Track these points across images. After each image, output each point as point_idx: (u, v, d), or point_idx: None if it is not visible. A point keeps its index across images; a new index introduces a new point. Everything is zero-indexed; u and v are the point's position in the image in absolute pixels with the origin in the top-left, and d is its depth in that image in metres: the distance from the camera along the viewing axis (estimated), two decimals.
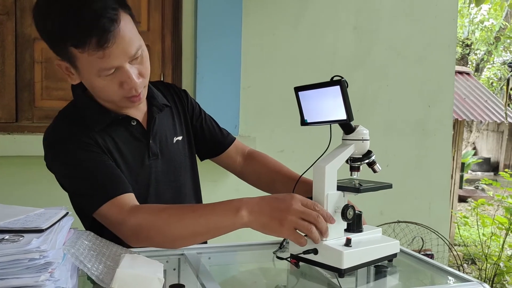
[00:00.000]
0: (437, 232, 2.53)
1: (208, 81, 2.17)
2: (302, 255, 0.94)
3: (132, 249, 0.98)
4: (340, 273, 0.89)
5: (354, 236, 0.97)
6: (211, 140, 1.34)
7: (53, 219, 0.81)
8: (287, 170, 1.30)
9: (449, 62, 2.76)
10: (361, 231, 0.99)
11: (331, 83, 0.94)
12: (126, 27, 0.98)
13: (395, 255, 1.00)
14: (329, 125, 1.00)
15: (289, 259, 0.97)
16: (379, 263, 0.99)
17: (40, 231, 0.75)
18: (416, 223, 2.53)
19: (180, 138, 1.25)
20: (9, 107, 1.98)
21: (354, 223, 0.99)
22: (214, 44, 2.19)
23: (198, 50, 2.17)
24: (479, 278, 3.74)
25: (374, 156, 1.01)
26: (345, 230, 0.99)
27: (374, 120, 2.56)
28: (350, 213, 0.94)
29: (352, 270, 0.92)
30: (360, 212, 1.00)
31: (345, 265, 0.89)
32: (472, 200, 5.45)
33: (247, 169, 1.35)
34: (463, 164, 7.56)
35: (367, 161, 1.00)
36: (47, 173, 1.94)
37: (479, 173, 11.01)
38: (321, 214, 0.91)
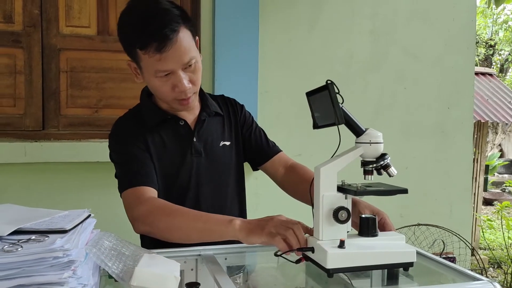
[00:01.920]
0: (459, 234, 2.51)
1: (226, 87, 2.22)
2: (303, 251, 0.98)
3: (151, 250, 1.03)
4: (328, 272, 0.91)
5: (366, 241, 0.99)
6: (257, 150, 1.47)
7: (76, 221, 0.86)
8: None
9: (468, 64, 2.73)
10: (375, 235, 1.00)
11: (324, 87, 0.97)
12: (184, 39, 1.17)
13: (410, 264, 0.96)
14: (337, 128, 1.02)
15: (281, 255, 0.99)
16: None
17: (64, 231, 0.80)
18: (437, 226, 2.52)
19: (227, 143, 1.41)
20: (36, 116, 2.07)
21: (364, 227, 1.00)
22: (232, 50, 2.24)
23: (216, 56, 2.22)
24: (505, 282, 3.66)
25: (388, 159, 1.00)
26: (359, 234, 1.01)
27: (392, 123, 2.56)
28: (342, 215, 0.96)
29: (343, 271, 0.93)
30: (374, 216, 1.01)
31: (329, 265, 0.91)
32: (498, 203, 5.34)
33: (287, 180, 1.45)
34: (487, 166, 7.41)
35: (379, 164, 1.01)
36: (73, 178, 2.03)
37: (505, 175, 10.75)
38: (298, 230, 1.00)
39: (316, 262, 0.97)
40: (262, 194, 2.23)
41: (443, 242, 2.43)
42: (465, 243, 2.54)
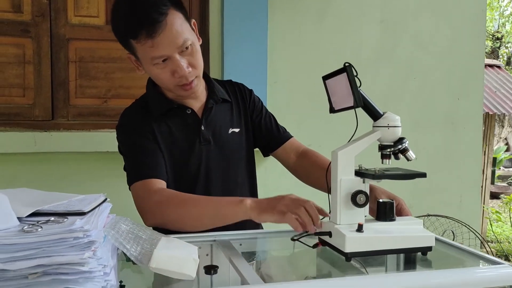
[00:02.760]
0: (469, 226, 2.49)
1: (235, 78, 2.18)
2: (319, 235, 0.98)
3: (168, 234, 1.02)
4: (346, 256, 0.91)
5: (383, 225, 0.98)
6: (267, 136, 1.45)
7: (94, 204, 0.86)
8: None
9: (478, 53, 2.70)
10: (392, 220, 0.99)
11: (342, 70, 0.96)
12: (175, 21, 1.14)
13: (429, 248, 0.96)
14: (354, 112, 1.02)
15: (298, 239, 0.99)
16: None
17: (83, 213, 0.79)
18: (446, 217, 2.50)
19: (236, 130, 1.38)
20: (45, 106, 2.06)
21: (382, 211, 0.99)
22: (241, 41, 2.22)
23: (224, 47, 2.20)
24: None
25: (406, 143, 0.99)
26: (376, 218, 1.00)
27: (401, 113, 2.51)
28: (360, 199, 0.95)
29: (362, 255, 0.92)
30: (392, 201, 1.00)
31: (348, 249, 0.90)
32: (505, 196, 5.32)
33: (299, 166, 1.43)
34: (494, 159, 7.37)
35: (397, 148, 1.00)
36: (83, 168, 2.02)
37: (511, 169, 10.70)
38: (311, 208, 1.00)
39: (333, 247, 0.96)
40: (270, 185, 2.22)
41: (453, 233, 2.42)
42: (475, 234, 2.52)
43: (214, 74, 2.25)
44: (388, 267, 1.02)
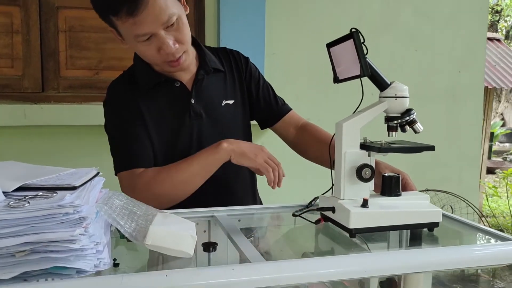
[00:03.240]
0: (467, 200, 2.48)
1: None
2: (321, 210, 0.95)
3: (163, 210, 0.98)
4: (350, 232, 0.87)
5: (389, 200, 0.94)
6: (266, 109, 1.38)
7: (85, 178, 0.81)
8: None
9: (481, 26, 2.64)
10: (398, 195, 0.95)
11: (348, 36, 0.90)
12: None
13: (436, 224, 0.92)
14: (360, 82, 0.96)
15: (300, 215, 0.95)
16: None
17: (73, 188, 0.74)
18: (445, 192, 2.48)
19: (230, 102, 1.30)
20: (35, 77, 1.99)
21: (387, 186, 0.95)
22: (238, 11, 2.14)
23: (221, 17, 2.12)
24: None
25: (414, 114, 0.94)
26: (381, 194, 0.96)
27: None
28: (366, 173, 0.91)
29: (367, 232, 0.88)
30: (398, 175, 0.96)
31: (352, 225, 0.86)
32: (501, 171, 5.33)
33: (299, 141, 1.38)
34: (492, 134, 7.37)
35: (404, 119, 0.95)
36: (74, 142, 1.97)
37: (507, 144, 10.73)
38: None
39: (337, 223, 0.93)
40: None
41: (451, 208, 2.40)
42: (473, 209, 2.51)
43: (209, 45, 2.18)
44: (391, 243, 0.99)
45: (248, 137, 1.37)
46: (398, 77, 2.45)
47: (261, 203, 1.42)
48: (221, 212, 1.07)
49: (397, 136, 0.97)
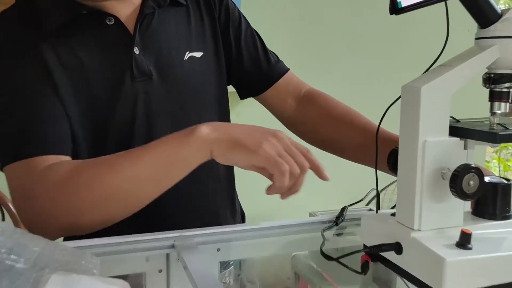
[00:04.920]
0: None
1: None
2: (377, 251, 0.53)
3: (62, 243, 0.53)
4: None
5: (485, 228, 0.53)
6: (250, 69, 0.97)
7: None
8: (361, 120, 0.90)
9: None
10: (508, 217, 0.54)
11: None
12: None
13: None
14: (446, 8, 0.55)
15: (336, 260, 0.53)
16: None
17: None
18: None
19: (198, 54, 0.90)
20: None
21: (492, 203, 0.54)
22: None
23: None
24: None
25: None
26: (473, 214, 0.55)
27: (406, 52, 2.09)
28: (470, 184, 0.50)
29: None
30: (509, 181, 0.55)
31: (448, 285, 0.46)
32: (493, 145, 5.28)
33: (301, 117, 0.99)
34: None
35: None
36: None
37: None
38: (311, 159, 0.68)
39: (402, 271, 0.50)
40: None
41: None
42: None
43: None
44: None
45: (223, 109, 0.96)
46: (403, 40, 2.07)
47: (242, 214, 1.01)
48: (186, 239, 0.64)
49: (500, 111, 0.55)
